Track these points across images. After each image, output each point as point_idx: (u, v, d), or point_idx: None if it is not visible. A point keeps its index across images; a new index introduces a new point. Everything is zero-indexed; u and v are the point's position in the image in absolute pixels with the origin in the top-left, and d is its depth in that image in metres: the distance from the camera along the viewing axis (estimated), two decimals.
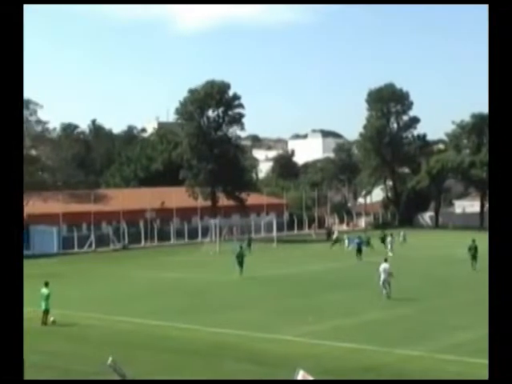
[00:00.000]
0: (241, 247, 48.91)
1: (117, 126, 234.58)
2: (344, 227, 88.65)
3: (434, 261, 53.53)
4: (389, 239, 60.03)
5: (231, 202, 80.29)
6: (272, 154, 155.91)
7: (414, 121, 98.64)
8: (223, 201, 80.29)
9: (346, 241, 65.01)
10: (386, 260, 37.26)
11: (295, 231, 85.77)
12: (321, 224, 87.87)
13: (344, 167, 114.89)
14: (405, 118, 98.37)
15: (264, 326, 29.03)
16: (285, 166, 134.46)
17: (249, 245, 62.44)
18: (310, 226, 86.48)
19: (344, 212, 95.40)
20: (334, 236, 69.60)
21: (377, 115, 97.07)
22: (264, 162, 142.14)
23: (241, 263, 45.88)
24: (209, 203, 79.57)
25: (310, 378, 14.53)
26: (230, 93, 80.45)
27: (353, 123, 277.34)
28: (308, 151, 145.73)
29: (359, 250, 55.22)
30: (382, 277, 35.89)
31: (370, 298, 35.64)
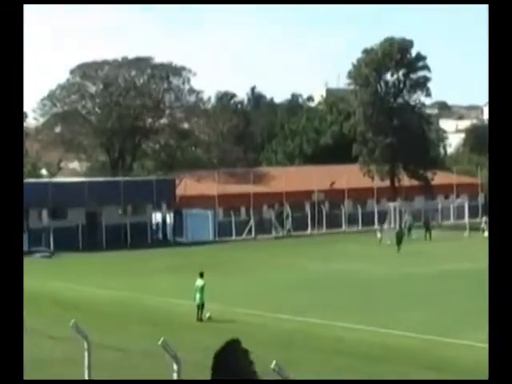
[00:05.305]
0: (400, 227, 61.56)
1: (279, 95, 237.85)
2: None
3: None
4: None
5: (414, 182, 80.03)
6: (464, 124, 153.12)
7: None
8: (404, 181, 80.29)
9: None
10: None
11: None
12: None
13: None
14: None
15: (443, 328, 29.37)
16: (479, 138, 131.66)
17: (409, 230, 67.58)
18: None
19: None
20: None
21: None
22: (454, 134, 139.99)
23: (399, 241, 57.05)
24: (387, 183, 79.77)
25: None
26: (413, 52, 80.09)
27: None
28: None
29: None
30: None
31: None
